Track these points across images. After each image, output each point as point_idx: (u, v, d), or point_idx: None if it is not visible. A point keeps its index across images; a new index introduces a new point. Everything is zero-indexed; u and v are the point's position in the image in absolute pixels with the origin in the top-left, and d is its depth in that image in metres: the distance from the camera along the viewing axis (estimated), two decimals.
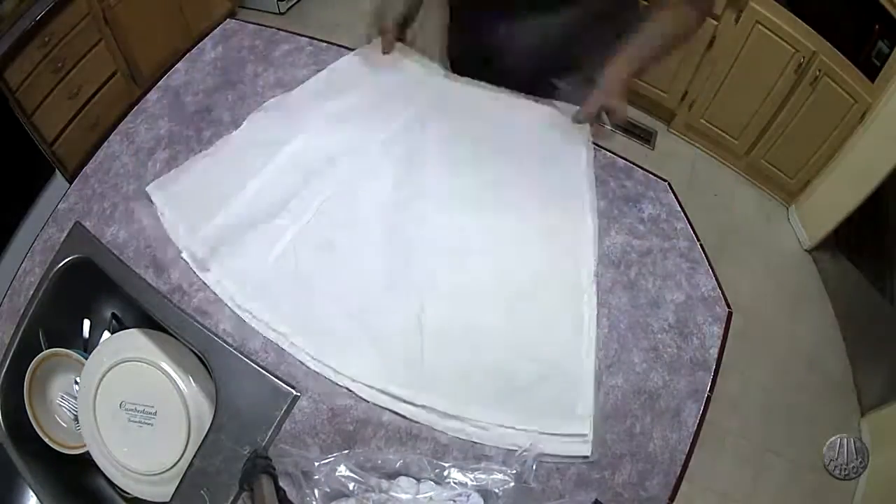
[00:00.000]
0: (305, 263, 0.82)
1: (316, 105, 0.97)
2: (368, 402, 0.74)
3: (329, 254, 0.83)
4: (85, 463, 0.82)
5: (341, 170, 0.90)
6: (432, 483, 0.69)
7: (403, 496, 0.67)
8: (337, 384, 0.75)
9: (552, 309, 0.80)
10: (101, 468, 0.80)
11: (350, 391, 0.74)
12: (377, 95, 0.99)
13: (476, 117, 0.98)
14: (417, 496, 0.67)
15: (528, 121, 0.97)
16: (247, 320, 0.79)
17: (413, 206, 0.87)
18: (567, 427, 0.73)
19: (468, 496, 0.67)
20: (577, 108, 0.96)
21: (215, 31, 1.10)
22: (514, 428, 0.72)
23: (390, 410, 0.73)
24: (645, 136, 2.36)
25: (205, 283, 0.83)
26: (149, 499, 0.79)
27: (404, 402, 0.73)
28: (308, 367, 0.76)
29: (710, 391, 0.77)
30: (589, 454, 0.72)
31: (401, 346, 0.77)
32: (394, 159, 0.92)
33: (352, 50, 1.07)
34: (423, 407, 0.73)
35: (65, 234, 0.88)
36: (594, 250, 0.85)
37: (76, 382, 0.84)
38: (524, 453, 0.71)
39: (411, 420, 0.73)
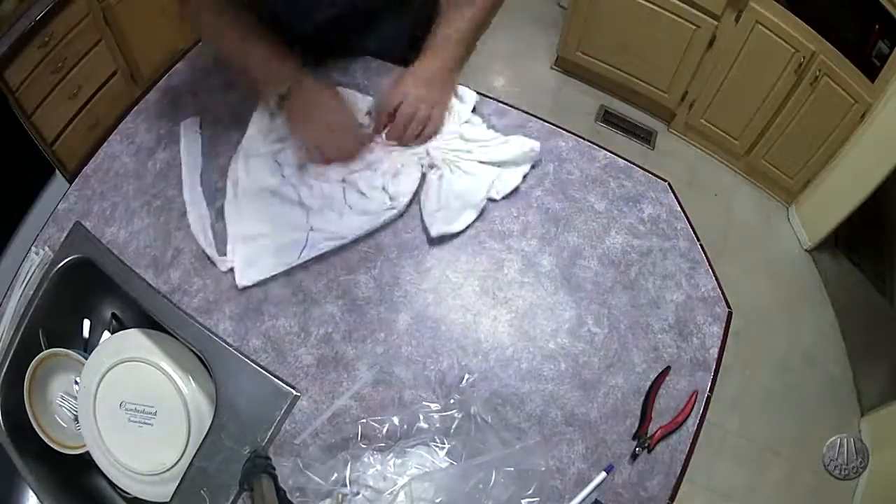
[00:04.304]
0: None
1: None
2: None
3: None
4: (85, 463, 0.82)
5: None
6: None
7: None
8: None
9: None
10: (101, 468, 0.80)
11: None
12: None
13: None
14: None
15: None
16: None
17: None
18: None
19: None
20: None
21: None
22: None
23: None
24: (645, 136, 2.36)
25: (204, 284, 0.83)
26: (149, 499, 0.79)
27: None
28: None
29: (710, 391, 0.77)
30: None
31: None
32: None
33: None
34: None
35: (65, 234, 0.88)
36: None
37: (76, 382, 0.84)
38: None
39: None
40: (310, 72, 0.90)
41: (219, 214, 0.88)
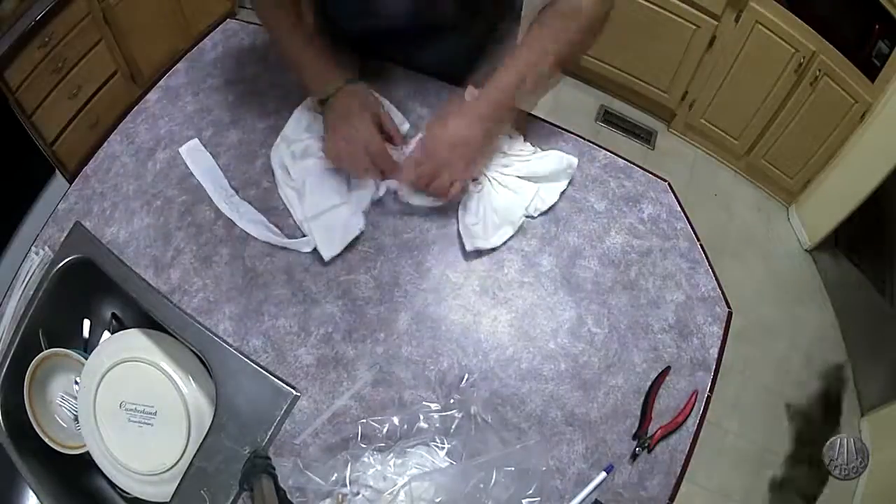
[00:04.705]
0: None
1: None
2: None
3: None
4: (85, 463, 0.82)
5: None
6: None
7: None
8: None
9: None
10: (101, 468, 0.80)
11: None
12: None
13: None
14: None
15: None
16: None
17: None
18: None
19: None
20: None
21: (215, 31, 1.10)
22: None
23: None
24: (645, 136, 2.36)
25: (204, 284, 0.83)
26: (149, 499, 0.79)
27: None
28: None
29: (710, 391, 0.77)
30: None
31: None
32: None
33: None
34: None
35: (65, 234, 0.88)
36: None
37: (76, 382, 0.84)
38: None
39: None
40: (357, 81, 0.88)
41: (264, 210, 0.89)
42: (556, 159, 0.89)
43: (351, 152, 0.85)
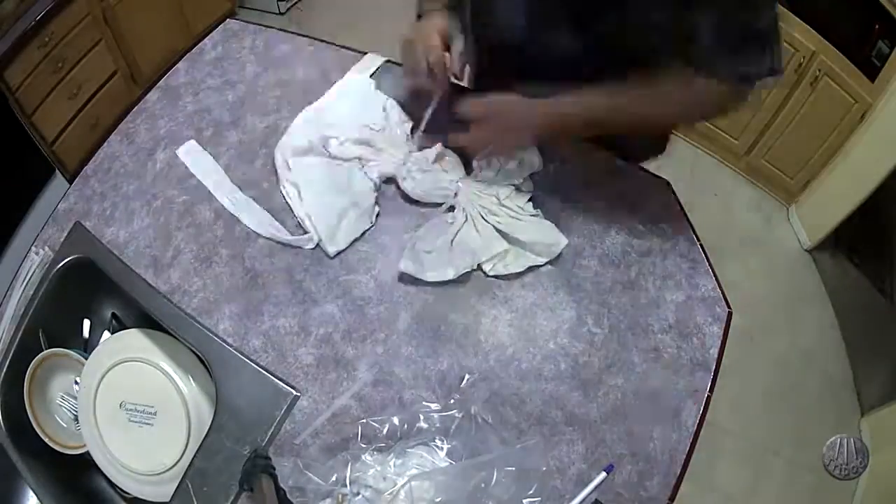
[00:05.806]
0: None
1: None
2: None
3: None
4: (85, 463, 0.82)
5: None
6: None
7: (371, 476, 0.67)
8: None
9: None
10: (101, 468, 0.80)
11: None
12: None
13: None
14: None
15: None
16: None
17: None
18: None
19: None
20: None
21: (215, 31, 1.10)
22: None
23: None
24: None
25: (204, 284, 0.83)
26: (149, 499, 0.79)
27: None
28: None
29: (710, 391, 0.77)
30: None
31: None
32: None
33: (352, 50, 1.07)
34: None
35: (65, 234, 0.88)
36: None
37: (76, 382, 0.84)
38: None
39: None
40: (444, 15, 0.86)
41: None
42: (544, 230, 0.84)
43: (412, 47, 0.83)
